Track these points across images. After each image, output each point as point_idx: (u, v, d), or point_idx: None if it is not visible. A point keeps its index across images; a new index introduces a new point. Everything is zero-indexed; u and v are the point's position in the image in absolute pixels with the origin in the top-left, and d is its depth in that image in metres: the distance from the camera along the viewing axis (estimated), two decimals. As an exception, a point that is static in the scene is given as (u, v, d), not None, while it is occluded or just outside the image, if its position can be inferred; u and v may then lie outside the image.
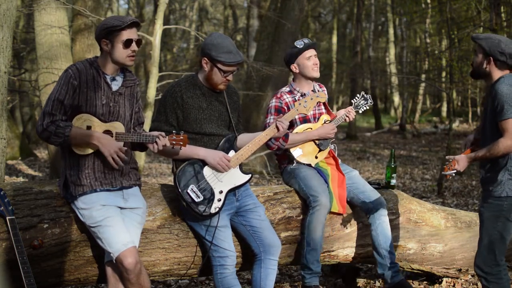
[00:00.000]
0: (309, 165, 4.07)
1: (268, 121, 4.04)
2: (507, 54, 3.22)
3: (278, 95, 4.12)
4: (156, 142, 3.12)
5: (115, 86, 3.18)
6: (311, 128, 4.09)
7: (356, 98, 4.24)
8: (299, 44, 4.07)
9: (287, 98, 4.09)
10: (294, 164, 4.08)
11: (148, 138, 3.13)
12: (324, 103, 4.23)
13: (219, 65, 3.36)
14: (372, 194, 4.02)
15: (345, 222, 4.08)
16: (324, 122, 4.12)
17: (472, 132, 3.63)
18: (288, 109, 4.03)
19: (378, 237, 3.96)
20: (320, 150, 4.09)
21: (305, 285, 3.93)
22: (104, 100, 3.11)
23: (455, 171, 3.29)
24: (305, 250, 3.87)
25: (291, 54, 4.09)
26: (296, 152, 4.04)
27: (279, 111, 4.03)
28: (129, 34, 3.08)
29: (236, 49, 3.37)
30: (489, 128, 3.29)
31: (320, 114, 4.18)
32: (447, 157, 3.35)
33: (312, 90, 4.16)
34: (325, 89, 4.32)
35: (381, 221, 3.97)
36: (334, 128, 4.08)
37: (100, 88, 3.11)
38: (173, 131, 3.21)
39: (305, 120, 4.11)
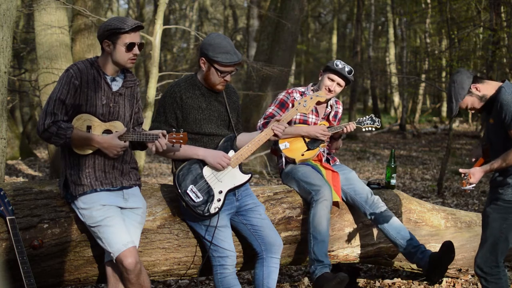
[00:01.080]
0: (293, 160, 4.09)
1: (269, 110, 4.10)
2: (469, 76, 3.27)
3: (290, 90, 4.19)
4: (155, 144, 3.12)
5: (115, 86, 3.18)
6: None
7: (365, 117, 4.27)
8: (338, 64, 4.08)
9: (297, 96, 4.13)
10: (287, 167, 4.09)
11: (148, 137, 3.14)
12: (328, 119, 4.25)
13: (216, 65, 3.35)
14: (368, 195, 4.01)
15: (345, 222, 4.09)
16: None
17: (478, 143, 3.61)
18: (293, 106, 4.05)
19: (389, 232, 3.95)
20: (308, 149, 4.09)
21: (315, 277, 3.77)
22: (104, 100, 3.11)
23: (473, 185, 3.27)
24: (312, 244, 3.81)
25: (327, 65, 4.13)
26: (283, 145, 4.06)
27: (283, 105, 4.08)
28: (132, 37, 3.07)
29: (234, 49, 3.36)
30: (497, 140, 3.28)
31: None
32: (461, 170, 3.31)
33: (325, 105, 4.21)
34: (340, 106, 4.34)
35: (385, 216, 3.95)
36: (325, 130, 4.07)
37: (101, 88, 3.11)
38: (173, 129, 3.21)
39: (305, 123, 4.14)
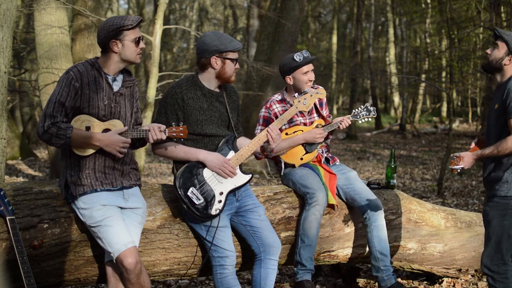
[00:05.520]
0: (293, 165, 4.07)
1: (256, 131, 4.02)
2: None
3: (268, 105, 4.10)
4: (150, 134, 3.12)
5: (116, 86, 3.19)
6: (302, 131, 4.08)
7: (360, 108, 4.19)
8: (298, 57, 4.02)
9: (277, 108, 4.07)
10: (286, 169, 4.08)
11: (147, 132, 3.14)
12: (318, 111, 4.20)
13: (230, 55, 3.40)
14: (369, 195, 3.99)
15: (345, 222, 4.08)
16: (316, 127, 4.11)
17: (478, 134, 3.63)
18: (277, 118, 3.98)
19: (373, 240, 3.97)
20: (306, 152, 4.08)
21: (296, 281, 3.94)
22: (106, 101, 3.11)
23: (462, 166, 3.29)
24: (299, 246, 3.86)
25: (289, 66, 4.04)
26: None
27: (267, 122, 4.02)
28: (136, 32, 3.15)
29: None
30: (494, 127, 3.29)
31: (312, 123, 4.16)
32: (452, 155, 3.36)
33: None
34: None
35: (377, 224, 3.96)
36: (322, 133, 4.03)
37: (102, 89, 3.11)
38: (172, 123, 3.22)
39: (295, 124, 4.10)
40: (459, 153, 3.33)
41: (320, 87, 4.17)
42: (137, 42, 3.14)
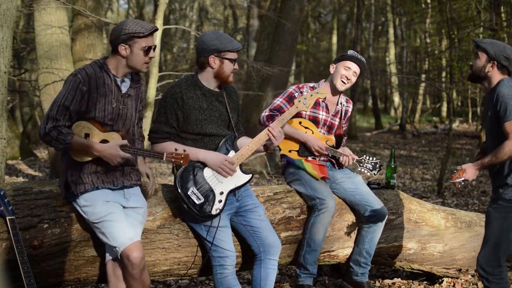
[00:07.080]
0: (282, 154, 4.08)
1: (277, 102, 4.05)
2: (511, 59, 3.28)
3: (300, 85, 4.13)
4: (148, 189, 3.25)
5: (124, 88, 3.17)
6: (312, 132, 4.07)
7: (370, 159, 4.15)
8: (350, 52, 4.08)
9: (306, 93, 4.06)
10: (294, 166, 4.07)
11: (146, 153, 3.12)
12: (341, 117, 4.20)
13: (228, 55, 3.39)
14: (376, 202, 3.99)
15: (345, 222, 4.08)
16: (326, 142, 4.07)
17: (481, 145, 3.63)
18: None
19: (365, 239, 4.00)
20: (297, 153, 4.05)
21: (298, 284, 3.96)
22: (114, 104, 3.09)
23: (463, 178, 3.31)
24: (304, 250, 3.88)
25: (340, 55, 4.13)
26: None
27: (291, 98, 4.03)
28: (148, 41, 3.08)
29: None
30: (491, 134, 3.31)
31: (332, 124, 4.15)
32: (453, 168, 3.38)
33: (336, 102, 4.15)
34: (351, 105, 4.30)
35: (376, 228, 3.99)
36: (322, 150, 3.99)
37: (111, 91, 3.08)
38: (175, 149, 3.14)
39: (315, 121, 4.10)
40: (461, 165, 3.35)
41: (348, 104, 4.24)
42: (146, 51, 3.07)
